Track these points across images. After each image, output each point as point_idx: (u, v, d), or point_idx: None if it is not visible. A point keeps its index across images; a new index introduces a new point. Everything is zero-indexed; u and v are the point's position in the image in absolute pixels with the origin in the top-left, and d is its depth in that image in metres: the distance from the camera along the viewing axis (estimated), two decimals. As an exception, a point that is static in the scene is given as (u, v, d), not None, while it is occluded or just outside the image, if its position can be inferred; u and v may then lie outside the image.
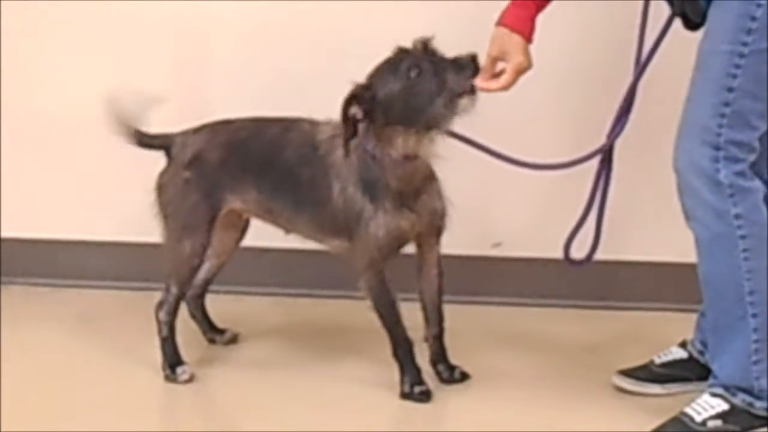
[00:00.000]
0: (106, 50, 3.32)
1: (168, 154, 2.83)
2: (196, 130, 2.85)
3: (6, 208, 3.42)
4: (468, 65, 2.48)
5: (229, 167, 2.78)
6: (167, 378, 2.82)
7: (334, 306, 3.31)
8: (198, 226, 2.78)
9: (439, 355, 2.82)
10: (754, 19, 2.28)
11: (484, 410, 2.68)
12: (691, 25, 2.47)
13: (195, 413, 2.80)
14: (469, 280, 3.32)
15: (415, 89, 2.49)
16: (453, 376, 2.81)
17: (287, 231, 2.87)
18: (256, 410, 2.69)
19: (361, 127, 2.57)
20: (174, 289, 2.83)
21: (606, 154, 2.76)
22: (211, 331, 3.06)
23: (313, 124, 2.75)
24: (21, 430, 2.54)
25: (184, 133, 2.85)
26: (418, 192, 2.66)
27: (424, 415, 2.68)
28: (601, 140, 2.74)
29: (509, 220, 3.33)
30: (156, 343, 2.90)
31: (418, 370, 2.73)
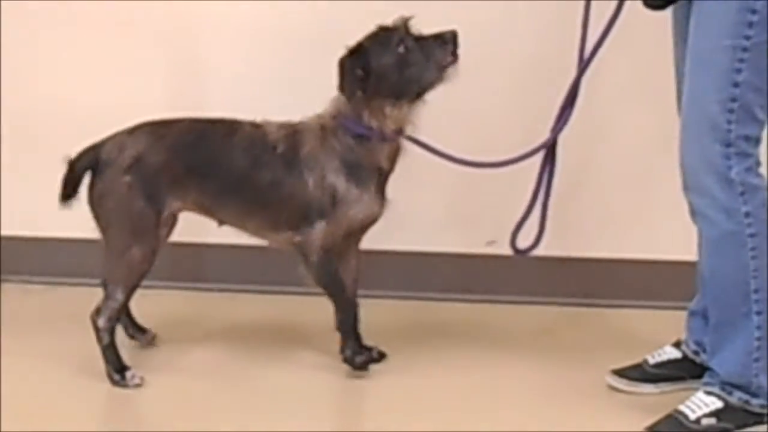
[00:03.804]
0: (105, 51, 3.33)
1: (96, 162, 2.76)
2: (130, 132, 2.78)
3: (5, 207, 3.42)
4: (450, 40, 2.67)
5: (171, 170, 2.75)
6: (117, 384, 2.76)
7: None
8: (146, 231, 2.75)
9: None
10: (754, 12, 2.31)
11: (480, 409, 2.70)
12: (653, 4, 2.46)
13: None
14: (464, 278, 3.35)
15: (407, 62, 2.66)
16: (372, 356, 2.88)
17: (221, 224, 2.87)
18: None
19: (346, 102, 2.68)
20: (120, 296, 2.77)
21: (550, 149, 2.80)
22: (134, 329, 3.01)
23: (256, 126, 2.79)
24: (21, 430, 2.54)
25: (115, 137, 2.78)
26: (388, 176, 2.76)
27: (414, 414, 2.68)
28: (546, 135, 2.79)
29: (502, 218, 3.35)
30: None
31: (359, 340, 2.82)
